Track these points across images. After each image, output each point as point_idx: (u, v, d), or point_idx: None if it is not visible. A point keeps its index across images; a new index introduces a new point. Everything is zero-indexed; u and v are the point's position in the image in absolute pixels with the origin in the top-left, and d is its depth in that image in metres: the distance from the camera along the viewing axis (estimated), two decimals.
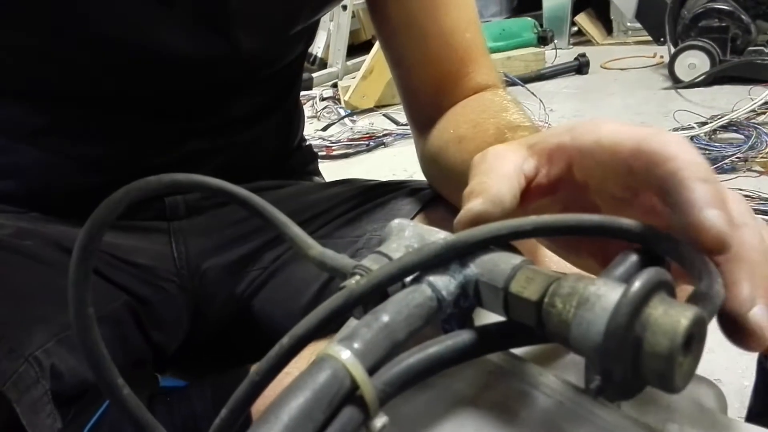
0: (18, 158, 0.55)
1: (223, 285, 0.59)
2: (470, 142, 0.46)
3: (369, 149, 2.04)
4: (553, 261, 0.49)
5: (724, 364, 0.67)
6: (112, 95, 0.52)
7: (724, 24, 2.13)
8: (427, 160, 0.56)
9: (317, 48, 2.93)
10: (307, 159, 0.73)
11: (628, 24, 3.10)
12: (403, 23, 0.54)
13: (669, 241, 0.20)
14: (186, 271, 0.58)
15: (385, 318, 0.18)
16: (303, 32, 0.58)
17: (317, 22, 0.63)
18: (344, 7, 2.84)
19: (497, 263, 0.20)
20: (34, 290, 0.47)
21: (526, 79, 2.44)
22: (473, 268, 0.20)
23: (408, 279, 0.20)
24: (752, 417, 0.21)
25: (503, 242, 0.21)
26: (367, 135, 2.11)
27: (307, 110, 2.47)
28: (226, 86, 0.56)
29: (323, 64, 3.00)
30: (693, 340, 0.16)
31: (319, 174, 0.74)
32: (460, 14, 0.54)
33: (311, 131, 2.21)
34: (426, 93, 0.56)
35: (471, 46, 0.54)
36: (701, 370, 0.22)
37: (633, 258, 0.19)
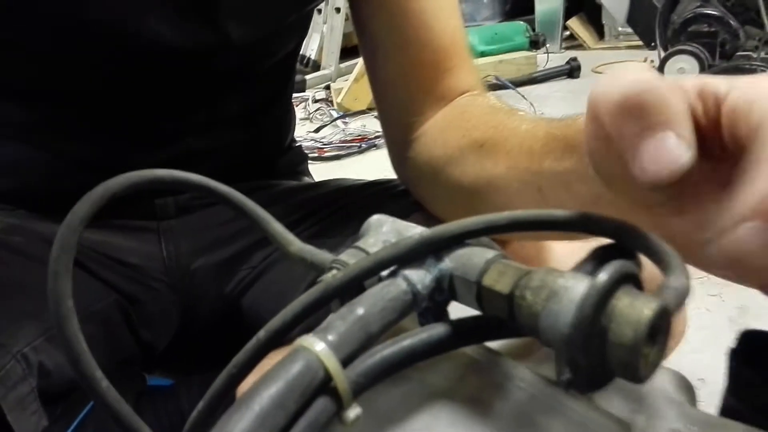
0: (8, 155, 0.55)
1: (212, 284, 0.59)
2: (498, 146, 0.40)
3: (361, 151, 2.05)
4: (558, 261, 0.49)
5: (710, 364, 0.68)
6: (103, 91, 0.52)
7: (713, 29, 2.15)
8: (426, 175, 0.50)
9: (311, 50, 2.93)
10: (297, 160, 0.73)
11: (620, 29, 3.13)
12: (378, 4, 0.50)
13: (639, 236, 0.20)
14: (175, 270, 0.58)
15: (360, 311, 0.18)
16: (295, 25, 0.58)
17: (309, 19, 0.63)
18: (338, 10, 2.85)
19: (471, 257, 0.20)
20: (23, 287, 0.47)
21: (518, 83, 2.46)
22: (448, 263, 0.20)
23: (384, 273, 0.21)
24: (723, 414, 0.22)
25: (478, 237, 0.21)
26: (359, 137, 2.11)
27: (300, 112, 2.48)
28: (219, 81, 0.56)
29: (316, 66, 3.01)
30: (658, 332, 0.17)
31: (308, 175, 0.74)
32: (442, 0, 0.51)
33: (303, 133, 2.21)
34: (404, 86, 0.51)
35: (455, 37, 0.51)
36: (687, 369, 0.23)
37: (604, 253, 0.20)
